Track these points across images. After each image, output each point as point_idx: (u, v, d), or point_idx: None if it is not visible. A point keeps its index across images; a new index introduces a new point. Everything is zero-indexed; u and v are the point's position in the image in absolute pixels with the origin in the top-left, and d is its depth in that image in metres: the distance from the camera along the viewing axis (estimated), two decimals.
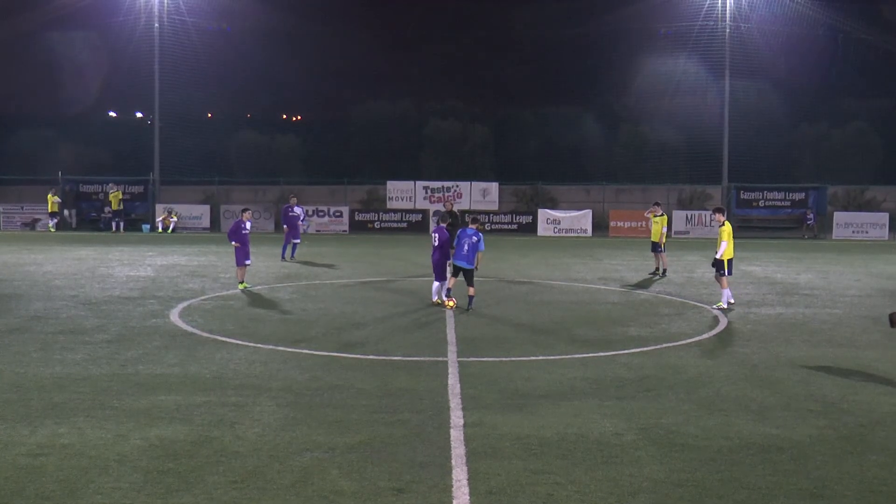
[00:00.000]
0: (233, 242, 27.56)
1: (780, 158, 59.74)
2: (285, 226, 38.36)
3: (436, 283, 24.62)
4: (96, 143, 66.06)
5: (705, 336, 20.82)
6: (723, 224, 24.91)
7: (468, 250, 23.52)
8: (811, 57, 59.93)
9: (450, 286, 23.96)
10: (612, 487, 10.84)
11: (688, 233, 51.11)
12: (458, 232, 24.51)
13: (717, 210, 26.49)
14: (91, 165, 57.68)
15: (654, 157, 62.46)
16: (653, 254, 33.60)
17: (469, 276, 23.69)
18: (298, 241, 37.87)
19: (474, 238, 23.63)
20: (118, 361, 17.59)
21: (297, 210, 38.45)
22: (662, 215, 33.59)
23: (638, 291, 28.06)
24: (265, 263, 34.74)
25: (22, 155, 60.62)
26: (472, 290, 23.77)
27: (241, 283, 27.51)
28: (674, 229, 51.41)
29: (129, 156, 59.45)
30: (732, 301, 25.12)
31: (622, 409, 14.35)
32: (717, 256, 24.69)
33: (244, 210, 30.12)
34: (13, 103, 66.44)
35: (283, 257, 36.89)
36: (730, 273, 25.08)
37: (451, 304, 23.70)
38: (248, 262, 27.78)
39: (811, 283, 29.95)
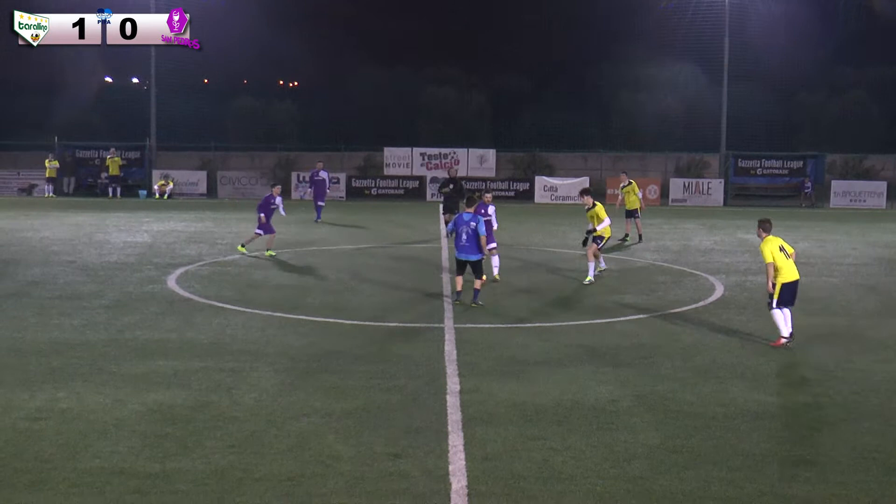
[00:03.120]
0: (261, 215, 27.48)
1: (779, 127, 59.41)
2: (310, 189, 40.38)
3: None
4: (92, 109, 65.73)
5: (701, 304, 20.85)
6: (592, 206, 23.99)
7: (467, 240, 20.03)
8: (811, 25, 59.71)
9: (458, 289, 20.39)
10: (607, 453, 10.92)
11: (685, 200, 50.98)
12: (455, 219, 21.11)
13: (584, 192, 25.29)
14: (86, 131, 57.35)
15: (652, 124, 62.23)
16: (626, 220, 32.97)
17: (477, 267, 20.18)
18: (323, 203, 39.16)
19: (472, 224, 20.11)
20: (116, 327, 17.65)
21: (323, 174, 39.84)
22: (630, 184, 33.11)
23: (634, 259, 28.07)
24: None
25: (17, 120, 60.34)
26: (478, 283, 20.19)
27: (269, 251, 27.30)
28: (671, 197, 51.43)
29: (125, 122, 59.13)
30: (601, 270, 24.20)
31: (617, 376, 14.42)
32: (598, 230, 23.67)
33: (274, 185, 30.91)
34: (6, 67, 66.14)
35: (317, 220, 38.35)
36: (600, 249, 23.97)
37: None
38: (263, 232, 27.64)
39: (808, 252, 29.96)
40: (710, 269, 26.03)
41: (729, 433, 11.69)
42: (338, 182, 50.60)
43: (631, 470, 10.42)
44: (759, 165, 52.80)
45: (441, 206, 31.12)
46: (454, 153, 53.36)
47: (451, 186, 29.07)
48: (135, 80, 67.67)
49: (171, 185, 51.76)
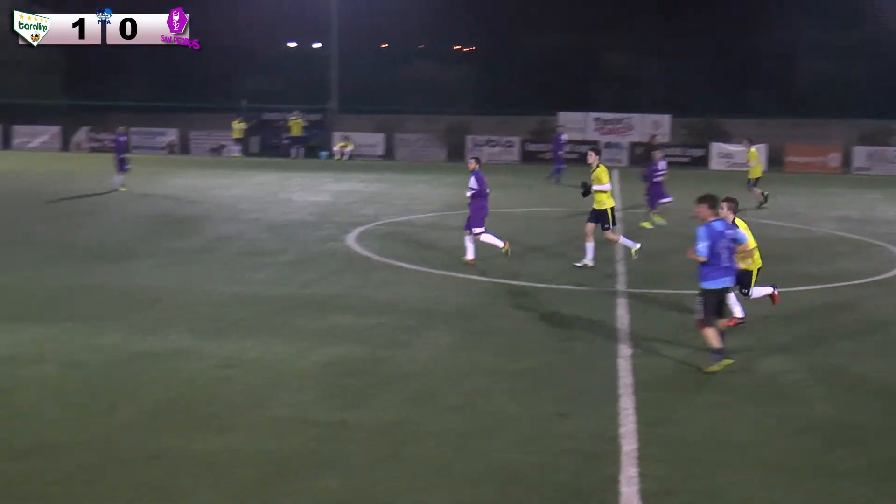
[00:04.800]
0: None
1: None
2: (556, 153, 41.39)
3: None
4: (275, 73, 67.24)
5: (884, 276, 20.13)
6: (597, 166, 20.77)
7: (728, 258, 12.88)
8: None
9: (719, 344, 12.44)
10: (780, 424, 10.74)
11: (869, 169, 49.09)
12: (704, 232, 12.69)
13: (592, 150, 22.32)
14: (270, 95, 58.68)
15: (836, 90, 60.09)
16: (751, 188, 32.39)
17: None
18: (563, 167, 40.09)
19: (728, 233, 12.89)
20: (298, 282, 18.15)
21: (563, 138, 41.97)
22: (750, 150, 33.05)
23: (812, 228, 27.29)
24: (437, 191, 34.99)
25: (206, 84, 62.20)
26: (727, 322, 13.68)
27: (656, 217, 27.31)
28: (854, 165, 49.68)
29: (308, 85, 60.25)
30: (637, 247, 20.73)
31: (792, 346, 14.12)
32: (595, 190, 20.58)
33: (655, 150, 30.55)
34: (199, 34, 68.20)
35: (558, 182, 39.05)
36: (614, 224, 20.80)
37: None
38: (667, 199, 27.69)
39: None
40: (893, 240, 25.12)
41: None
42: (481, 148, 50.49)
43: (803, 443, 10.22)
44: None
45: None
46: (630, 118, 52.66)
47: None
48: (316, 46, 68.77)
49: (350, 146, 52.54)
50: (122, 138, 35.36)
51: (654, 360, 13.15)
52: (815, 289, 18.59)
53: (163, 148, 54.63)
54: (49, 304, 15.97)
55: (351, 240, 23.32)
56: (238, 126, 53.03)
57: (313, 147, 53.33)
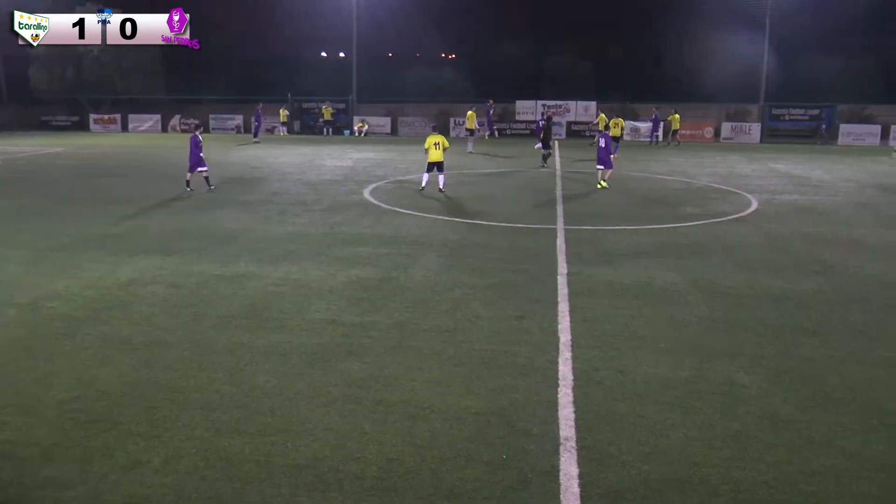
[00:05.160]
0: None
1: (803, 83, 56.70)
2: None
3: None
4: (311, 74, 66.36)
5: (741, 214, 20.21)
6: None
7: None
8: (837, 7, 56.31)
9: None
10: (670, 320, 10.80)
11: (732, 139, 49.02)
12: None
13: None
14: (308, 90, 57.96)
15: (710, 81, 59.84)
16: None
17: None
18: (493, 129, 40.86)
19: None
20: (329, 224, 18.09)
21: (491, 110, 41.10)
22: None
23: (693, 181, 27.25)
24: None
25: (261, 83, 61.49)
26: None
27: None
28: (722, 136, 49.66)
29: (335, 83, 59.62)
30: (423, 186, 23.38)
31: (678, 265, 14.17)
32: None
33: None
34: (255, 46, 67.64)
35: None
36: (429, 171, 23.25)
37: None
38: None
39: (820, 178, 28.63)
40: (748, 189, 25.12)
41: (757, 310, 11.42)
42: (460, 127, 49.71)
43: (686, 333, 10.29)
44: (787, 113, 50.36)
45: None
46: (567, 104, 52.35)
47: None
48: (342, 55, 67.88)
49: (366, 126, 52.20)
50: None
51: (583, 276, 13.18)
52: (696, 224, 18.64)
53: (232, 129, 54.18)
54: (159, 242, 15.88)
55: (367, 193, 23.20)
56: (284, 112, 52.53)
57: (339, 127, 52.91)
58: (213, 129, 53.86)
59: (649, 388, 8.38)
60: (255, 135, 45.16)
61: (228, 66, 63.43)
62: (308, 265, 13.80)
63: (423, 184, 23.49)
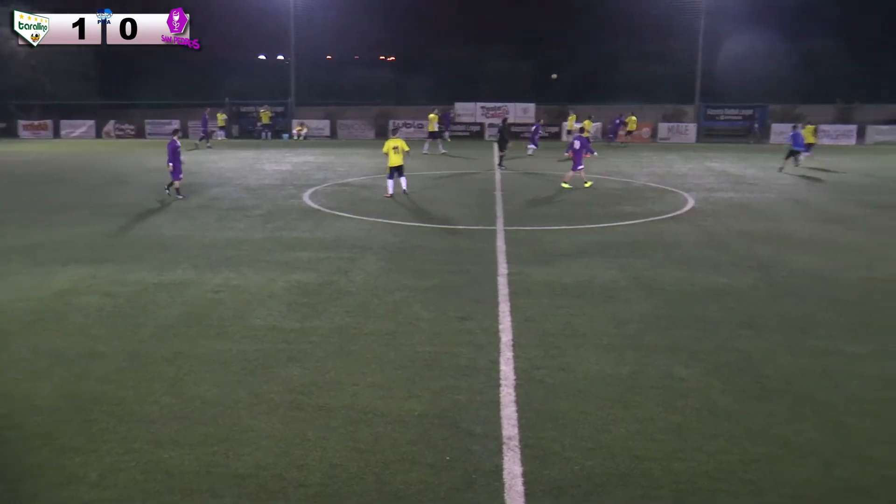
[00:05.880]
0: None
1: (737, 84, 58.09)
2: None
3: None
4: (249, 77, 65.64)
5: (678, 212, 20.59)
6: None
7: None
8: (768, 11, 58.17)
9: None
10: (610, 318, 10.94)
11: (669, 138, 49.87)
12: None
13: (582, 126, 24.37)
14: (247, 93, 57.27)
15: (649, 84, 60.95)
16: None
17: None
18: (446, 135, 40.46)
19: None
20: (268, 229, 17.89)
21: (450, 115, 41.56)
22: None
23: (631, 181, 27.65)
24: (368, 161, 34.63)
25: (200, 85, 60.59)
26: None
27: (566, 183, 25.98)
28: (659, 136, 50.44)
29: (274, 86, 59.04)
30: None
31: (618, 263, 14.36)
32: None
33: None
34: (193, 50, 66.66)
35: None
36: (390, 177, 22.82)
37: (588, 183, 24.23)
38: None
39: (754, 176, 29.32)
40: (685, 187, 25.60)
41: (695, 305, 11.64)
42: (406, 129, 49.67)
43: (627, 330, 10.43)
44: (721, 113, 51.43)
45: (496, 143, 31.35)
46: (505, 106, 52.62)
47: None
48: (280, 57, 67.27)
49: (305, 129, 51.74)
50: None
51: (523, 276, 13.26)
52: (635, 223, 18.91)
53: (169, 134, 53.09)
54: (93, 250, 15.51)
55: (306, 197, 23.01)
56: (222, 117, 51.81)
57: (278, 131, 52.36)
58: (149, 134, 52.85)
59: (591, 385, 8.48)
60: (207, 139, 44.45)
61: (164, 70, 62.24)
62: (248, 271, 13.63)
63: (390, 191, 22.82)
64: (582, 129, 26.55)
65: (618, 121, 47.48)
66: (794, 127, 32.61)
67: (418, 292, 12.19)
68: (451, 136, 50.57)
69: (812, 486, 6.50)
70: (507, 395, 8.19)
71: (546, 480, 6.51)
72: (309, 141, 50.25)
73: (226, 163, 34.37)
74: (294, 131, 51.89)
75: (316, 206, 21.20)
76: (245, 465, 6.74)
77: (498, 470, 6.66)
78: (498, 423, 7.52)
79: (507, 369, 8.88)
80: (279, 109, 53.73)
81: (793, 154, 30.62)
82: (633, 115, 47.57)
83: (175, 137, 22.92)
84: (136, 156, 37.69)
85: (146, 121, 53.58)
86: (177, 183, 22.69)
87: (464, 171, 31.17)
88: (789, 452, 7.04)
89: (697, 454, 6.97)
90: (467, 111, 52.81)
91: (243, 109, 54.06)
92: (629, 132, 47.13)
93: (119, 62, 50.09)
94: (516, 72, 68.12)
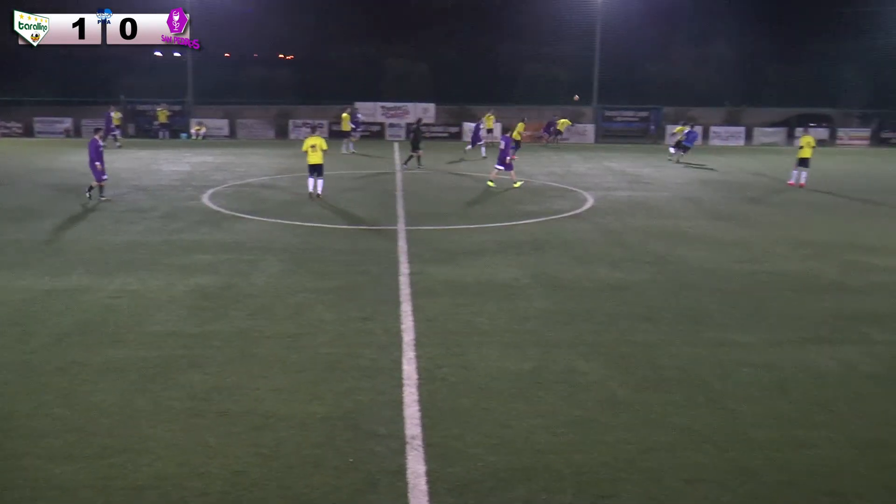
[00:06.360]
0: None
1: (633, 87, 59.83)
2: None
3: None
4: (145, 75, 63.70)
5: (578, 211, 21.05)
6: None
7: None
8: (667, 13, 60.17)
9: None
10: (511, 315, 11.11)
11: (568, 139, 50.75)
12: None
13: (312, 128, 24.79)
14: (143, 91, 55.53)
15: (547, 86, 62.02)
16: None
17: None
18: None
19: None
20: (167, 231, 17.44)
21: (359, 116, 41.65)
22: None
23: (531, 180, 28.10)
24: (267, 161, 34.12)
25: (94, 82, 58.39)
26: None
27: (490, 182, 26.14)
28: (559, 137, 51.44)
29: (171, 84, 57.41)
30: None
31: (519, 261, 14.59)
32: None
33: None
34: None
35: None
36: (310, 176, 22.42)
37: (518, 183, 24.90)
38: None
39: (650, 175, 30.25)
40: (584, 186, 26.19)
41: (595, 300, 11.94)
42: (300, 129, 49.31)
43: (528, 326, 10.63)
44: (618, 114, 52.90)
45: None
46: (405, 106, 52.69)
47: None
48: (177, 55, 65.54)
49: (204, 129, 50.57)
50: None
51: (424, 276, 13.33)
52: (535, 221, 19.24)
53: (61, 133, 51.10)
54: None
55: (205, 198, 22.52)
56: (117, 115, 50.09)
57: (176, 130, 51.02)
58: (38, 132, 50.64)
59: (493, 382, 8.60)
60: (115, 138, 42.36)
61: (52, 65, 59.52)
62: (146, 275, 13.25)
63: (310, 189, 22.45)
64: (506, 130, 27.34)
65: (551, 124, 48.69)
66: (692, 126, 34.70)
67: (320, 294, 12.11)
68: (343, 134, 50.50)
69: (707, 471, 6.78)
70: (410, 394, 8.24)
71: (449, 478, 6.57)
72: (208, 141, 49.13)
73: (121, 163, 33.21)
74: (192, 131, 50.65)
75: (215, 208, 20.77)
76: (144, 477, 6.57)
77: (402, 470, 6.69)
78: (401, 423, 7.55)
79: (409, 369, 8.92)
80: (177, 108, 52.41)
81: (682, 147, 32.91)
82: (564, 117, 48.87)
83: (97, 136, 21.97)
84: (24, 156, 36.07)
85: (35, 118, 51.33)
86: (101, 183, 21.80)
87: (366, 171, 31.06)
88: (686, 439, 7.32)
89: (598, 445, 7.17)
90: (368, 111, 52.58)
91: (140, 108, 52.48)
92: (558, 132, 48.20)
93: (2, 55, 47.48)
94: (416, 72, 68.23)
